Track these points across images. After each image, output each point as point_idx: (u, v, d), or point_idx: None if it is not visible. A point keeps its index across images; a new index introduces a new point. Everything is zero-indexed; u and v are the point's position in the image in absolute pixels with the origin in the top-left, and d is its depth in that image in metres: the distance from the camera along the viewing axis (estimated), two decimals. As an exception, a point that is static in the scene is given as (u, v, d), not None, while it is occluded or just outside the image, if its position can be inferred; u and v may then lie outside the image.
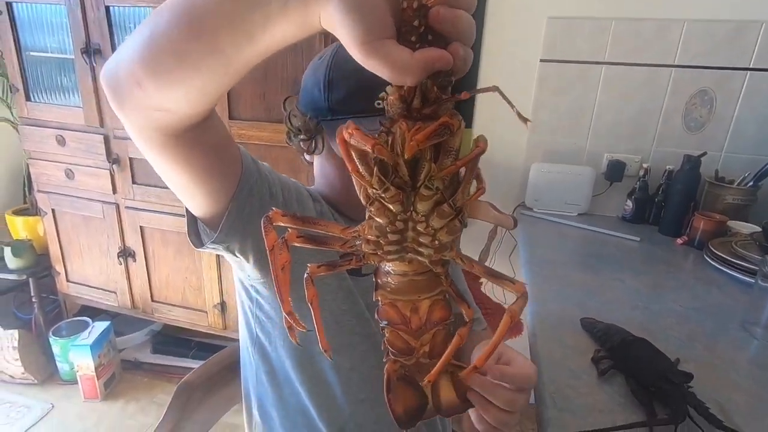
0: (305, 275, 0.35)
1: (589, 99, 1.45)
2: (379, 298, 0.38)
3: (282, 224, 0.34)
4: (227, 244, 0.55)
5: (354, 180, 0.31)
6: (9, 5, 1.64)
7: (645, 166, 1.41)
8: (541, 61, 1.45)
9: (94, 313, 2.04)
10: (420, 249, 0.33)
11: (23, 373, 1.84)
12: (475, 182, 0.33)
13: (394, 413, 0.42)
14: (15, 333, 1.83)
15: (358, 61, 0.27)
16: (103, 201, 1.78)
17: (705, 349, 0.76)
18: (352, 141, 0.29)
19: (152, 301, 1.89)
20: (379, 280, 0.38)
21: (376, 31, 0.26)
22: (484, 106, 1.58)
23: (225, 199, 0.52)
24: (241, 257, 0.57)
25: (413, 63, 0.25)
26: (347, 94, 0.57)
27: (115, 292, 1.93)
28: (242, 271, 0.61)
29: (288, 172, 0.77)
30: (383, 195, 0.30)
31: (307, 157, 0.68)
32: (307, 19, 0.28)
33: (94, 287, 1.96)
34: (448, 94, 0.29)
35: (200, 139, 0.44)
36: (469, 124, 1.61)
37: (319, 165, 0.67)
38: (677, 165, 1.34)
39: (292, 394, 0.62)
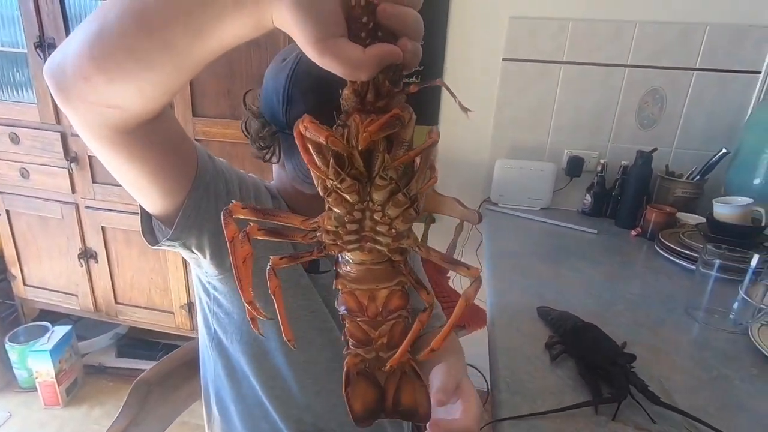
0: (267, 267, 0.35)
1: (550, 97, 1.50)
2: (339, 287, 0.38)
3: (242, 216, 0.34)
4: (183, 240, 0.54)
5: (312, 173, 0.31)
6: (-46, -4, 1.56)
7: (602, 161, 1.47)
8: (504, 60, 1.49)
9: (55, 317, 1.96)
10: (378, 237, 0.34)
11: (-23, 382, 1.76)
12: (429, 172, 0.33)
13: (351, 409, 0.41)
14: (-32, 340, 1.74)
15: (313, 59, 0.27)
16: (61, 201, 1.72)
17: (651, 333, 0.81)
18: (307, 134, 0.29)
19: (116, 303, 1.83)
20: (339, 270, 0.38)
21: (328, 30, 0.26)
22: (450, 104, 1.61)
23: (180, 196, 0.51)
24: (198, 253, 0.57)
25: (365, 59, 0.26)
26: (304, 113, 0.57)
27: (77, 295, 1.86)
28: (199, 267, 0.61)
29: (254, 169, 0.77)
30: (340, 186, 0.31)
31: None
32: (261, 17, 0.28)
33: (54, 290, 1.89)
34: (399, 88, 0.30)
35: (152, 136, 0.44)
36: (435, 122, 1.63)
37: (275, 170, 0.67)
38: (631, 161, 1.41)
39: (249, 387, 0.63)
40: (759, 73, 1.34)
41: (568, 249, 1.24)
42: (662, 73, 1.41)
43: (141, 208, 0.53)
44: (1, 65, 1.65)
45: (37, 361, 1.68)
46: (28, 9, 1.50)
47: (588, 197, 1.49)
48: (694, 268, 1.03)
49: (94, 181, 1.66)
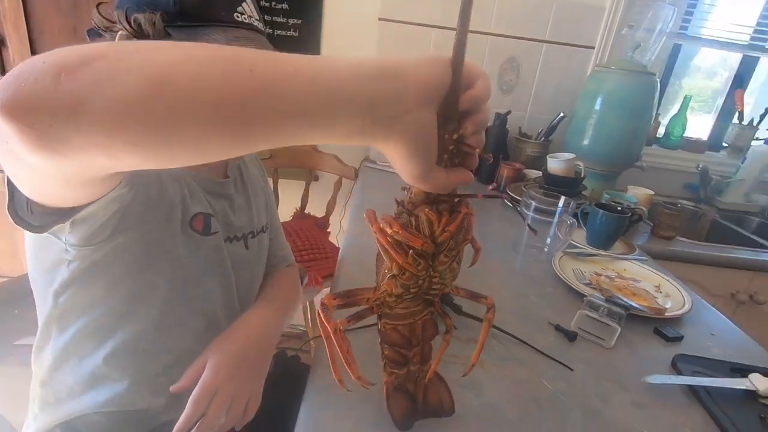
0: (338, 330, 0.39)
1: (423, 59, 1.58)
2: (383, 327, 0.45)
3: (334, 305, 0.40)
4: (56, 228, 0.48)
5: (384, 255, 0.37)
6: None
7: (469, 123, 1.60)
8: (380, 19, 1.53)
9: None
10: (431, 292, 0.42)
11: None
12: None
13: (393, 417, 0.48)
14: None
15: (410, 183, 0.34)
16: None
17: (485, 269, 0.93)
18: (397, 237, 0.35)
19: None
20: (382, 314, 0.44)
21: (429, 165, 0.32)
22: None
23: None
24: (60, 236, 0.52)
25: (449, 184, 0.33)
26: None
27: None
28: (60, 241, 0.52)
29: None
30: (416, 268, 0.38)
31: None
32: (365, 142, 0.31)
33: None
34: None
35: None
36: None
37: None
38: (492, 122, 1.56)
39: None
40: (593, 48, 1.55)
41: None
42: (519, 43, 1.55)
43: (18, 191, 0.39)
44: None
45: None
46: None
47: (457, 156, 1.62)
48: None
49: None
